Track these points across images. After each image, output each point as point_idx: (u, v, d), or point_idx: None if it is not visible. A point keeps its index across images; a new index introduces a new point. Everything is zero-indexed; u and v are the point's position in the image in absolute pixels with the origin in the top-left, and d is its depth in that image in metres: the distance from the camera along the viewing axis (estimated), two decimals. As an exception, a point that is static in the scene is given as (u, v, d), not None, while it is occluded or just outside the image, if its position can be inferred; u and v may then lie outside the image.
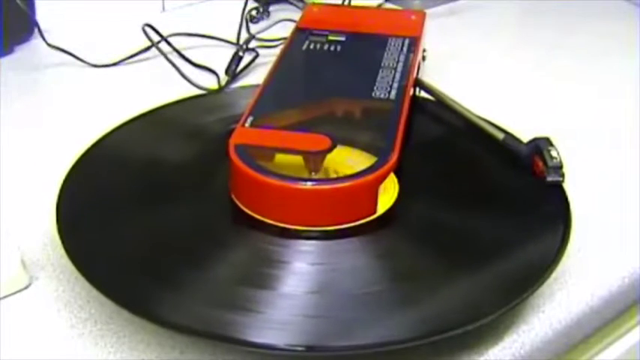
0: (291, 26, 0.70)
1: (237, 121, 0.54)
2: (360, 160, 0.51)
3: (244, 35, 0.80)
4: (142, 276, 0.46)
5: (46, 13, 0.78)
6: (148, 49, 0.75)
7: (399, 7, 0.89)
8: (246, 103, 0.57)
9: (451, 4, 0.93)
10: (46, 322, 0.46)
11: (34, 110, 0.69)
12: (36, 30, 0.76)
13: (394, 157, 0.51)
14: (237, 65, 0.74)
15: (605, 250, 0.54)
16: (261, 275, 0.46)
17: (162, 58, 0.73)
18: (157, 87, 0.72)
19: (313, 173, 0.50)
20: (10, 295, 0.48)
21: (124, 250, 0.48)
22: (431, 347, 0.45)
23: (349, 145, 0.52)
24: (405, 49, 0.65)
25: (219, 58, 0.75)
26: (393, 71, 0.61)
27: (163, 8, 0.88)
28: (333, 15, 0.72)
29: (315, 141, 0.52)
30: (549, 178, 0.53)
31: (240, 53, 0.74)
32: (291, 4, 0.90)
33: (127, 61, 0.76)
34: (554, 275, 0.47)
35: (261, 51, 0.77)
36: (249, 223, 0.50)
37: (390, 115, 0.56)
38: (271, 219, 0.49)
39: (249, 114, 0.55)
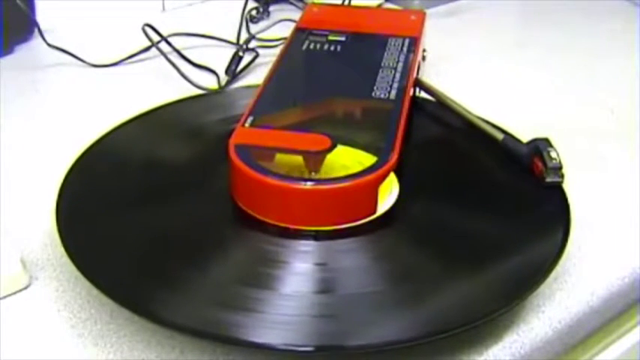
0: (291, 26, 0.70)
1: (237, 121, 0.54)
2: (360, 160, 0.51)
3: (244, 35, 0.80)
4: (142, 276, 0.46)
5: (46, 13, 0.78)
6: (148, 49, 0.75)
7: (399, 7, 0.89)
8: (246, 103, 0.57)
9: (451, 4, 0.93)
10: (46, 322, 0.46)
11: (34, 110, 0.69)
12: (36, 30, 0.76)
13: (394, 157, 0.51)
14: (237, 65, 0.74)
15: (605, 250, 0.54)
16: (261, 275, 0.46)
17: (162, 58, 0.73)
18: (157, 87, 0.72)
19: (313, 173, 0.50)
20: (10, 295, 0.48)
21: (124, 249, 0.48)
22: (431, 347, 0.45)
23: (349, 145, 0.52)
24: (405, 49, 0.65)
25: (219, 58, 0.75)
26: (393, 71, 0.61)
27: (163, 8, 0.88)
28: (333, 15, 0.72)
29: (315, 141, 0.52)
30: (549, 179, 0.53)
31: (240, 53, 0.74)
32: (291, 4, 0.90)
33: (127, 61, 0.76)
34: (554, 275, 0.47)
35: (261, 51, 0.77)
36: (249, 223, 0.50)
37: (390, 115, 0.56)
38: (271, 219, 0.49)
39: (249, 114, 0.55)
